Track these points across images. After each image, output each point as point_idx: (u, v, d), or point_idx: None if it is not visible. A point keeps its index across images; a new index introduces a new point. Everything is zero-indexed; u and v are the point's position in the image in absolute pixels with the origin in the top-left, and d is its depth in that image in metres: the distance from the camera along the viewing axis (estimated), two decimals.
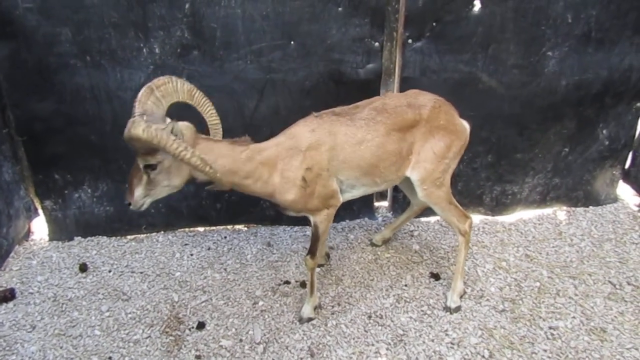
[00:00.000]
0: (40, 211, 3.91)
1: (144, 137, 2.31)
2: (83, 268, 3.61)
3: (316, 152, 2.75)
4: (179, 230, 4.02)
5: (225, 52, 3.34)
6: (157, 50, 3.30)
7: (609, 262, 3.65)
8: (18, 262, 3.68)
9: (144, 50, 3.29)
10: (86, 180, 3.74)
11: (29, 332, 3.13)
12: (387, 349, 2.99)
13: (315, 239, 3.03)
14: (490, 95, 3.62)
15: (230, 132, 3.60)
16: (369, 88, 3.54)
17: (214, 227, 4.05)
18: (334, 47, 3.39)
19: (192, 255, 3.77)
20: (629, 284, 3.44)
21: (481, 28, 3.42)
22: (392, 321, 3.17)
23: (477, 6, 3.35)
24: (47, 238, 3.92)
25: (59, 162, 3.65)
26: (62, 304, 3.34)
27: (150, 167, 2.56)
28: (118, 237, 3.94)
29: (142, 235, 3.98)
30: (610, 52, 3.63)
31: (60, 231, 3.89)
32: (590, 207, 4.27)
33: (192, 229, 4.04)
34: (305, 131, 2.79)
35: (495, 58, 3.52)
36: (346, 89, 3.53)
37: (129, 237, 3.96)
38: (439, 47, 3.47)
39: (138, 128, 2.31)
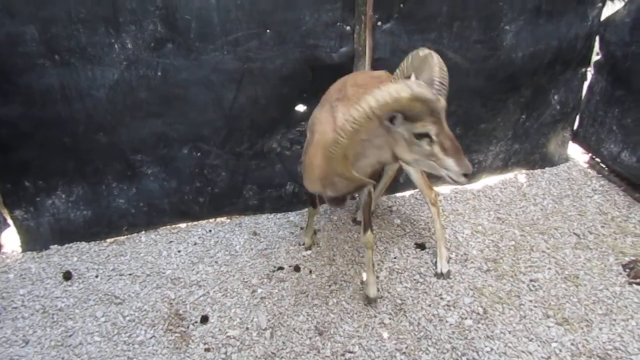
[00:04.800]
0: (10, 222, 3.70)
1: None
2: (67, 276, 3.49)
3: None
4: (161, 228, 3.95)
5: (201, 44, 3.29)
6: (129, 46, 3.20)
7: (571, 216, 4.00)
8: None
9: (116, 46, 3.18)
10: (59, 185, 3.59)
11: (22, 347, 3.01)
12: (390, 318, 3.15)
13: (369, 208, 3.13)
14: (456, 71, 3.80)
15: (210, 124, 3.62)
16: (343, 71, 3.58)
17: (196, 222, 4.02)
18: (308, 33, 3.44)
19: (179, 251, 3.74)
20: (590, 233, 3.80)
21: (445, 7, 3.58)
22: (389, 292, 3.33)
23: None
24: (20, 250, 3.74)
25: (29, 169, 3.47)
26: (53, 314, 3.23)
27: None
28: (98, 242, 3.82)
29: (123, 237, 3.87)
30: (559, 23, 3.92)
31: (35, 241, 3.72)
32: (547, 168, 4.62)
33: (174, 225, 3.98)
34: None
35: (459, 35, 3.71)
36: (322, 74, 3.57)
37: (109, 240, 3.85)
38: (407, 27, 3.60)
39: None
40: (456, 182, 2.26)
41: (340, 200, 2.95)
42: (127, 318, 3.20)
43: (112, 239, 3.86)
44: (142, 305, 3.28)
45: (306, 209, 4.17)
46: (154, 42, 3.23)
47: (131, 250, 3.76)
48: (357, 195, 3.69)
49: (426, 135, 2.19)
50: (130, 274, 3.54)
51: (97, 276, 3.52)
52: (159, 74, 3.33)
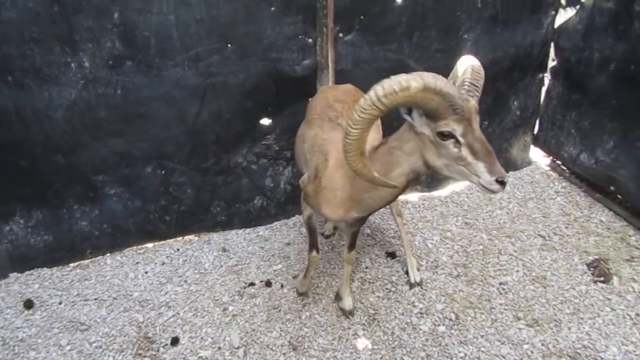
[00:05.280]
0: None
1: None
2: (28, 304, 3.34)
3: None
4: (127, 249, 3.84)
5: (162, 60, 3.24)
6: (87, 64, 3.12)
7: (535, 218, 4.09)
8: None
9: (72, 64, 3.10)
10: (17, 210, 3.45)
11: None
12: (364, 329, 3.13)
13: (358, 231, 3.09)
14: None
15: (173, 141, 3.56)
16: (306, 83, 3.63)
17: (163, 241, 3.92)
18: (270, 46, 3.43)
19: (146, 272, 3.64)
20: (555, 234, 3.89)
21: (405, 18, 3.64)
22: (362, 303, 3.32)
23: None
24: None
25: None
26: (14, 346, 3.08)
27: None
28: (61, 267, 3.68)
29: (87, 261, 3.75)
30: (515, 31, 4.04)
31: None
32: (511, 172, 4.72)
33: (141, 246, 3.88)
34: None
35: (420, 45, 3.77)
36: (285, 87, 3.59)
37: (72, 264, 3.72)
38: (368, 38, 3.64)
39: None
40: (489, 191, 2.07)
41: (363, 220, 2.80)
42: (94, 345, 3.08)
43: (76, 263, 3.73)
44: (109, 330, 3.17)
45: (276, 222, 4.15)
46: (112, 59, 3.16)
47: (96, 273, 3.64)
48: None
49: (451, 136, 2.06)
50: (95, 299, 3.42)
51: (60, 303, 3.39)
52: (119, 91, 3.26)
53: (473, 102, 2.07)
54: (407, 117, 2.15)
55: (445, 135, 2.06)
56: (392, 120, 2.46)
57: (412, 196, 4.42)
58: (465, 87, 2.12)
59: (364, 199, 2.50)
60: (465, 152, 2.06)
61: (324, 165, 2.66)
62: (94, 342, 3.09)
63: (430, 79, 1.95)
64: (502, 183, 2.01)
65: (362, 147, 2.11)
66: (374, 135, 3.17)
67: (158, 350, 3.03)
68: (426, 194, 4.47)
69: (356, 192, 2.51)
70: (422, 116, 2.10)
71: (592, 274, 3.46)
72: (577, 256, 3.63)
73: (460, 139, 2.05)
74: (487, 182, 2.03)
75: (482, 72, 2.21)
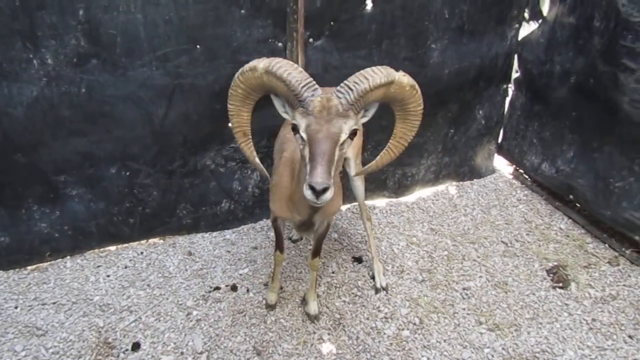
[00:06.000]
0: None
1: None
2: None
3: None
4: (88, 252, 3.74)
5: (128, 60, 3.19)
6: (49, 61, 3.03)
7: (498, 225, 4.19)
8: None
9: (35, 61, 3.01)
10: None
11: None
12: (329, 333, 3.14)
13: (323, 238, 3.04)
14: None
15: (139, 142, 3.50)
16: None
17: (127, 244, 3.84)
18: (239, 49, 3.42)
19: (108, 276, 3.55)
20: (517, 241, 3.99)
21: (374, 25, 3.68)
22: (328, 307, 3.33)
23: (369, 5, 3.61)
24: None
25: None
26: None
27: (354, 134, 2.12)
28: (18, 270, 3.55)
29: (46, 264, 3.63)
30: (481, 42, 4.14)
31: None
32: (475, 179, 4.82)
33: (103, 249, 3.78)
34: None
35: (389, 52, 3.82)
36: None
37: (30, 267, 3.59)
38: (338, 44, 3.67)
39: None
40: (306, 197, 2.02)
41: (308, 225, 2.73)
42: (51, 350, 2.98)
43: (34, 266, 3.61)
44: (67, 335, 3.07)
45: (244, 226, 4.12)
46: (76, 57, 3.08)
47: (55, 277, 3.53)
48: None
49: (297, 130, 2.06)
50: (54, 303, 3.31)
51: (16, 307, 3.26)
52: (83, 90, 3.18)
53: (319, 99, 2.00)
54: (275, 102, 2.22)
55: (294, 129, 2.09)
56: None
57: (380, 202, 4.46)
58: (338, 87, 2.06)
59: (299, 200, 2.46)
60: (306, 150, 2.05)
61: (278, 162, 2.73)
62: (50, 347, 2.99)
63: (274, 62, 2.03)
64: (312, 189, 1.95)
65: (243, 126, 2.26)
66: (355, 141, 3.20)
67: (118, 356, 2.96)
68: (393, 199, 4.52)
69: (294, 193, 2.52)
70: (285, 105, 2.17)
71: (552, 280, 3.56)
72: (538, 262, 3.73)
73: (303, 135, 2.04)
74: (304, 186, 2.01)
75: (368, 77, 2.03)
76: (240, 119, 2.26)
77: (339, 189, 2.66)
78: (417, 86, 2.17)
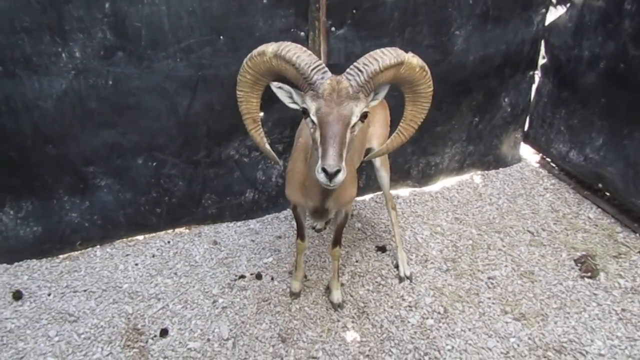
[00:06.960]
0: None
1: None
2: (17, 296, 3.33)
3: None
4: (117, 241, 3.83)
5: (153, 52, 3.23)
6: (77, 54, 3.10)
7: (525, 214, 4.12)
8: None
9: (63, 55, 3.08)
10: (7, 201, 3.43)
11: None
12: (353, 322, 3.15)
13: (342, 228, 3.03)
14: None
15: (164, 133, 3.55)
16: None
17: (154, 234, 3.92)
18: (262, 39, 3.42)
19: (137, 264, 3.63)
20: (543, 230, 3.92)
21: (397, 13, 3.65)
22: (352, 296, 3.34)
23: None
24: None
25: None
26: (2, 336, 3.06)
27: (365, 117, 2.12)
28: (50, 258, 3.66)
29: (77, 253, 3.74)
30: (506, 28, 4.06)
31: None
32: (500, 168, 4.76)
33: (131, 238, 3.87)
34: None
35: (412, 40, 3.78)
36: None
37: (62, 256, 3.70)
38: (360, 33, 3.65)
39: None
40: (319, 180, 2.00)
41: (321, 212, 2.70)
42: (82, 336, 3.07)
43: (65, 255, 3.72)
44: (98, 321, 3.16)
45: (267, 216, 4.15)
46: (103, 50, 3.14)
47: (85, 265, 3.63)
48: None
49: (307, 114, 2.05)
50: (85, 290, 3.41)
51: (49, 294, 3.37)
52: (110, 82, 3.24)
53: (329, 81, 1.99)
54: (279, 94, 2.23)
55: (305, 113, 2.07)
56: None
57: (403, 191, 4.44)
58: (349, 69, 2.05)
59: (310, 185, 2.49)
60: (317, 134, 2.03)
61: (295, 147, 2.74)
62: (82, 333, 3.09)
63: (282, 46, 2.02)
64: (325, 172, 1.94)
65: (253, 113, 2.27)
66: (380, 131, 3.20)
67: (147, 342, 3.03)
68: (417, 189, 4.49)
69: (307, 178, 2.53)
70: (292, 94, 2.16)
71: (580, 270, 3.50)
72: (565, 252, 3.67)
73: (313, 118, 2.03)
74: (316, 170, 2.00)
75: (377, 59, 2.03)
76: (249, 105, 2.27)
77: (353, 178, 2.67)
78: (426, 67, 2.15)
